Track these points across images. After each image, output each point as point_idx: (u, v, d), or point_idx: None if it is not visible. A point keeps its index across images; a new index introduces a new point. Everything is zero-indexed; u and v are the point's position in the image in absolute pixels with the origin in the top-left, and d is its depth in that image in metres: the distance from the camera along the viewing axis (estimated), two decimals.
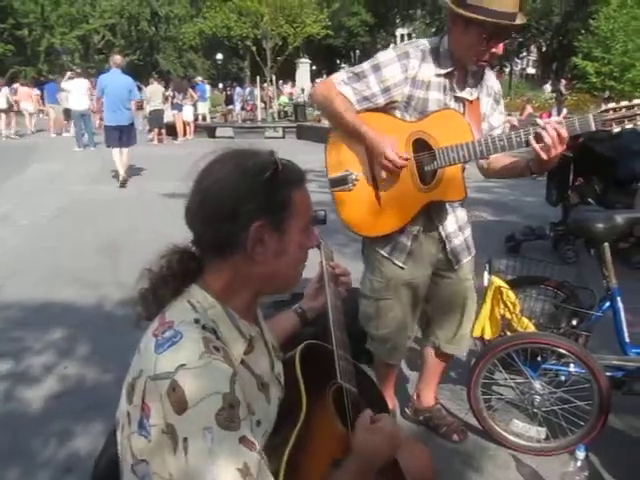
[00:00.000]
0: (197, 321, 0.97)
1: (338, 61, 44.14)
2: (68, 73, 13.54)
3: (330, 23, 21.60)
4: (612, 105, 1.79)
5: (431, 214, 2.06)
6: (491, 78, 2.09)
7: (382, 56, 1.95)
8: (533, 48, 38.24)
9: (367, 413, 1.13)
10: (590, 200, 4.88)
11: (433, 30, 35.33)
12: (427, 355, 2.40)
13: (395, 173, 1.92)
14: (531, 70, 41.33)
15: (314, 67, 29.73)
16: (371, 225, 2.03)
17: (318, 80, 10.02)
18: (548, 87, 20.44)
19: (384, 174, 1.93)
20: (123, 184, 8.39)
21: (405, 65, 1.92)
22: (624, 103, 1.79)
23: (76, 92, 12.68)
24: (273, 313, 1.56)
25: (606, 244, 2.32)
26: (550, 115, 14.64)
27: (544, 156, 1.77)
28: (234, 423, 0.88)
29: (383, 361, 2.32)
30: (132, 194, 7.65)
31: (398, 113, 1.98)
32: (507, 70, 33.73)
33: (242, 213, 0.98)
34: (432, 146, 1.91)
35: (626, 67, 21.09)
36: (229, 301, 1.04)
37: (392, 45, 2.02)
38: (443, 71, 1.95)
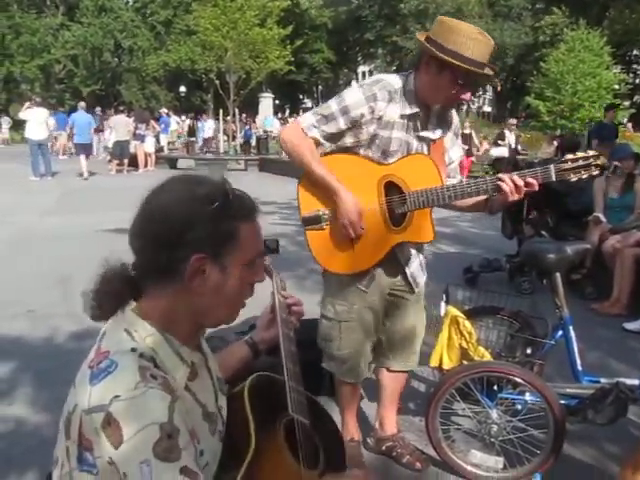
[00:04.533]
0: (134, 350, 0.93)
1: (301, 96, 44.88)
2: (27, 103, 13.31)
3: (293, 59, 21.97)
4: (570, 156, 1.93)
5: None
6: (450, 113, 2.16)
7: (350, 97, 1.98)
8: (489, 87, 39.78)
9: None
10: (544, 232, 5.03)
11: (394, 68, 36.40)
12: (382, 378, 2.41)
13: (368, 215, 1.97)
14: (487, 108, 42.85)
15: (277, 101, 30.12)
16: (342, 263, 2.06)
17: (280, 116, 10.14)
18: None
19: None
20: (86, 178, 12.72)
21: (372, 107, 1.96)
22: (580, 154, 1.93)
23: (34, 121, 12.47)
24: (223, 345, 1.53)
25: (558, 274, 2.39)
26: None
27: (507, 198, 1.90)
28: (173, 454, 0.84)
29: (343, 381, 2.30)
30: (87, 225, 7.47)
31: (361, 150, 2.03)
32: (464, 108, 34.93)
33: (185, 242, 0.95)
34: (403, 189, 1.97)
35: (576, 107, 22.15)
36: (168, 329, 1.00)
37: (357, 84, 2.05)
38: (408, 112, 2.00)
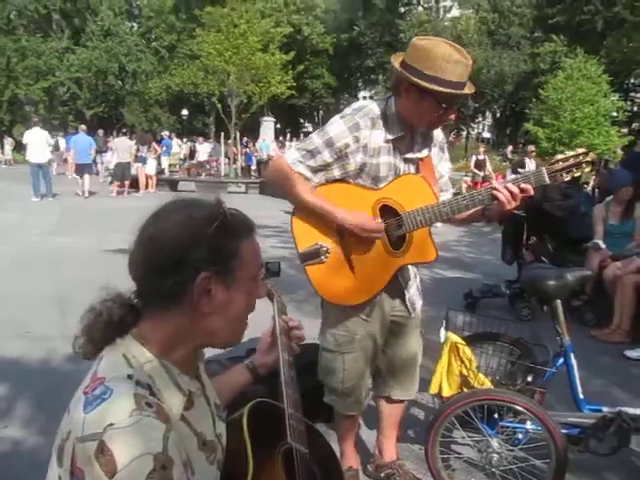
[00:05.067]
0: (130, 377, 0.92)
1: (302, 120, 45.30)
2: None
3: (294, 84, 22.24)
4: (560, 156, 1.94)
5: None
6: (436, 130, 2.13)
7: (332, 129, 1.94)
8: (488, 114, 40.25)
9: None
10: (543, 258, 5.03)
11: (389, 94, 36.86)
12: (382, 407, 2.38)
13: (368, 242, 1.94)
14: (487, 134, 43.24)
15: (278, 125, 30.38)
16: (348, 295, 2.02)
17: (281, 139, 10.22)
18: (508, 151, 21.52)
19: (356, 244, 1.95)
20: (87, 197, 13.43)
21: (357, 137, 1.92)
22: (570, 153, 1.93)
23: (34, 144, 12.56)
24: (221, 369, 1.51)
25: (558, 301, 2.38)
26: (504, 177, 15.30)
27: (504, 207, 1.90)
28: None
29: (344, 414, 2.27)
30: (87, 246, 7.47)
31: (351, 180, 2.00)
32: (464, 134, 35.29)
33: (188, 263, 0.95)
34: (398, 211, 1.95)
35: (574, 134, 22.33)
36: (168, 356, 0.99)
37: (338, 115, 2.02)
38: (392, 137, 1.97)
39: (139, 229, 1.00)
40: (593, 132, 22.31)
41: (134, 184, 14.95)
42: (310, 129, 41.74)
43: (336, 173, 1.98)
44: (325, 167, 1.96)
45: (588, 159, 1.91)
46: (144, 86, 34.26)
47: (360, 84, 44.40)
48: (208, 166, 20.50)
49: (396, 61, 1.91)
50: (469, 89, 1.88)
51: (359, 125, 1.93)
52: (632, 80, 33.01)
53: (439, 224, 2.31)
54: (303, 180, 1.95)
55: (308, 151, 1.95)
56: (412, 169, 2.06)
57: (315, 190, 1.96)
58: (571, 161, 1.90)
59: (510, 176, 11.52)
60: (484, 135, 43.18)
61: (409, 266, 2.14)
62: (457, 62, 1.80)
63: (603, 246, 4.88)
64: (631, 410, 2.34)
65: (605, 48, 28.19)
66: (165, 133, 23.10)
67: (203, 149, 21.56)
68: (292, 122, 41.55)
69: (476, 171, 13.69)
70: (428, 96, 1.84)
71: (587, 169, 1.94)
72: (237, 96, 20.24)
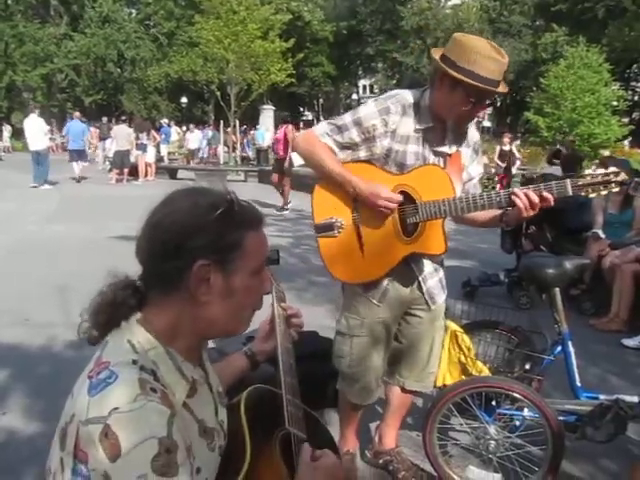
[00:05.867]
0: (135, 362, 0.92)
1: (302, 108, 45.09)
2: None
3: (294, 72, 22.10)
4: (589, 172, 1.88)
5: (408, 257, 2.07)
6: (471, 129, 2.15)
7: (363, 110, 1.99)
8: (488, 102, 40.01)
9: (307, 448, 1.10)
10: (542, 247, 5.03)
11: (394, 82, 36.68)
12: (391, 395, 2.39)
13: (382, 218, 1.96)
14: (487, 123, 43.08)
15: (278, 113, 30.26)
16: (352, 272, 2.06)
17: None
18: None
19: (369, 223, 1.98)
20: (78, 181, 13.86)
21: (385, 120, 1.95)
22: (600, 171, 1.89)
23: (30, 131, 12.59)
24: (221, 356, 1.51)
25: (557, 289, 2.38)
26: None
27: (522, 214, 1.87)
28: (171, 469, 0.83)
29: (350, 402, 2.28)
30: (86, 234, 7.46)
31: (377, 165, 2.02)
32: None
33: (188, 249, 0.95)
34: (415, 199, 1.95)
35: (575, 123, 22.26)
36: (172, 342, 1.00)
37: (372, 99, 2.05)
38: (423, 126, 1.98)
39: (147, 214, 1.01)
40: (593, 121, 22.25)
41: (133, 172, 14.93)
42: (310, 117, 41.61)
43: (362, 154, 2.02)
44: (352, 146, 2.00)
45: (618, 179, 1.85)
46: (143, 73, 34.00)
47: (360, 72, 44.12)
48: (200, 154, 20.35)
49: (436, 53, 1.95)
50: (502, 88, 1.89)
51: (389, 109, 1.96)
52: (633, 69, 32.85)
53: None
54: (329, 150, 2.00)
55: (337, 126, 2.00)
56: (441, 163, 2.05)
57: (339, 161, 2.00)
58: (599, 179, 1.85)
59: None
60: (484, 124, 43.01)
61: (428, 260, 2.13)
62: (491, 58, 1.82)
63: (602, 235, 4.89)
64: (628, 398, 2.35)
65: (606, 37, 28.01)
66: (164, 121, 23.00)
67: (193, 137, 21.25)
68: (292, 110, 41.36)
69: (499, 162, 12.53)
70: (459, 88, 1.86)
71: (615, 189, 1.88)
72: (236, 84, 20.13)
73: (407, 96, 2.01)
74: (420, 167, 1.99)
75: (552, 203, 1.85)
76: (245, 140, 22.38)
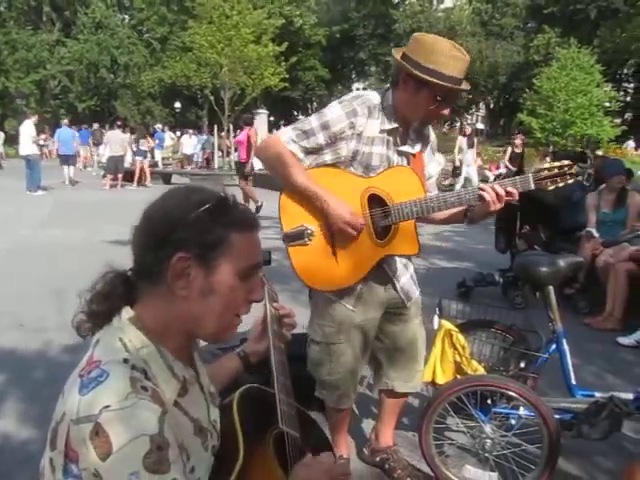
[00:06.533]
0: (126, 361, 0.92)
1: (295, 112, 45.13)
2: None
3: (287, 76, 22.13)
4: (547, 165, 1.96)
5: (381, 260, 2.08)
6: (428, 129, 2.17)
7: (330, 114, 1.96)
8: (482, 105, 40.21)
9: (308, 456, 1.09)
10: (537, 247, 5.05)
11: (387, 86, 36.77)
12: (383, 399, 2.38)
13: (351, 235, 1.94)
14: (480, 125, 43.25)
15: (272, 117, 30.27)
16: (327, 279, 2.02)
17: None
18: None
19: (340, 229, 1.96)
20: (72, 184, 14.50)
21: (353, 123, 1.94)
22: (556, 164, 1.96)
23: (22, 136, 12.57)
24: (213, 358, 1.51)
25: (550, 288, 2.39)
26: (498, 167, 15.13)
27: (489, 208, 1.92)
28: (163, 466, 0.83)
29: (334, 408, 2.27)
30: (80, 239, 7.44)
31: (342, 167, 2.01)
32: (458, 125, 35.27)
33: (171, 241, 0.96)
34: (386, 202, 1.95)
35: (568, 124, 22.38)
36: (163, 341, 0.99)
37: (337, 101, 2.03)
38: (388, 127, 1.99)
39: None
40: (586, 122, 22.38)
41: (128, 177, 14.90)
42: None
43: (327, 158, 1.98)
44: (318, 150, 1.97)
45: (572, 171, 1.94)
46: (136, 79, 33.99)
47: (353, 76, 44.25)
48: (195, 159, 20.39)
49: (397, 53, 1.96)
50: (465, 85, 1.92)
51: (356, 112, 1.95)
52: (625, 70, 33.05)
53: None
54: (295, 159, 1.95)
55: (303, 131, 1.96)
56: (404, 163, 2.07)
57: (307, 172, 1.96)
58: (555, 171, 1.93)
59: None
60: (478, 126, 43.19)
61: (397, 257, 2.13)
62: (455, 58, 1.85)
63: (596, 234, 4.90)
64: (623, 395, 2.36)
65: (598, 38, 28.19)
66: (158, 126, 23.00)
67: (189, 142, 21.26)
68: (286, 114, 41.39)
69: (509, 165, 12.11)
70: (425, 88, 1.87)
71: (570, 181, 1.96)
72: (230, 88, 20.14)
73: (372, 97, 2.02)
74: (389, 169, 2.00)
75: (516, 197, 1.92)
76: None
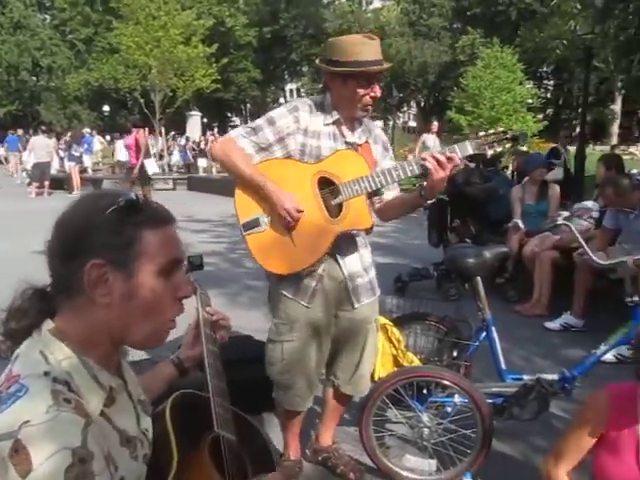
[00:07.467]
0: (47, 374, 0.89)
1: (229, 114, 44.68)
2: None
3: (219, 77, 21.88)
4: (482, 133, 2.07)
5: (336, 254, 2.12)
6: (377, 129, 2.30)
7: (274, 112, 2.13)
8: (413, 103, 41.22)
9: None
10: (467, 240, 5.23)
11: (320, 85, 37.05)
12: (328, 396, 2.40)
13: (293, 223, 2.01)
14: (412, 123, 44.30)
15: (205, 120, 29.84)
16: (287, 263, 2.07)
17: (209, 133, 10.12)
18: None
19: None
20: None
21: (296, 117, 2.07)
22: (491, 131, 2.09)
23: None
24: (150, 365, 1.49)
25: (478, 278, 2.48)
26: None
27: (434, 177, 1.97)
28: (87, 479, 0.81)
29: (287, 410, 2.28)
30: (7, 250, 7.07)
31: (295, 158, 2.09)
32: (390, 123, 36.00)
33: (82, 249, 0.93)
34: (335, 183, 2.03)
35: (494, 120, 23.24)
36: (87, 351, 0.97)
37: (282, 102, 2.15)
38: (330, 120, 2.11)
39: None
40: (511, 118, 23.30)
41: (55, 185, 14.29)
42: (238, 123, 41.25)
43: (278, 154, 2.10)
44: (268, 147, 2.08)
45: (508, 136, 2.05)
46: (61, 82, 32.66)
47: (286, 76, 44.23)
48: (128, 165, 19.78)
49: (319, 60, 2.13)
50: (386, 65, 2.07)
51: (298, 107, 2.11)
52: (544, 68, 34.74)
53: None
54: (244, 154, 2.06)
55: (252, 128, 2.10)
56: None
57: (254, 164, 2.07)
58: (492, 137, 2.04)
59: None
60: (410, 124, 44.24)
61: (359, 261, 2.18)
62: (366, 43, 2.01)
63: (522, 226, 5.12)
64: (549, 376, 2.49)
65: (519, 38, 29.47)
66: (86, 130, 22.16)
67: (122, 148, 20.66)
68: (219, 116, 40.90)
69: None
70: (349, 79, 2.02)
71: (508, 145, 2.09)
72: (160, 90, 19.74)
73: (312, 98, 2.20)
74: (335, 153, 2.09)
75: (458, 162, 2.01)
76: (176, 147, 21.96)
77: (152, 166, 11.14)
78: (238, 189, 2.09)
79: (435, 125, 12.28)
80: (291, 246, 2.04)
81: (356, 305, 2.20)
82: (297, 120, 2.07)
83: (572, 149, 11.65)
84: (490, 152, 2.09)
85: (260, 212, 2.06)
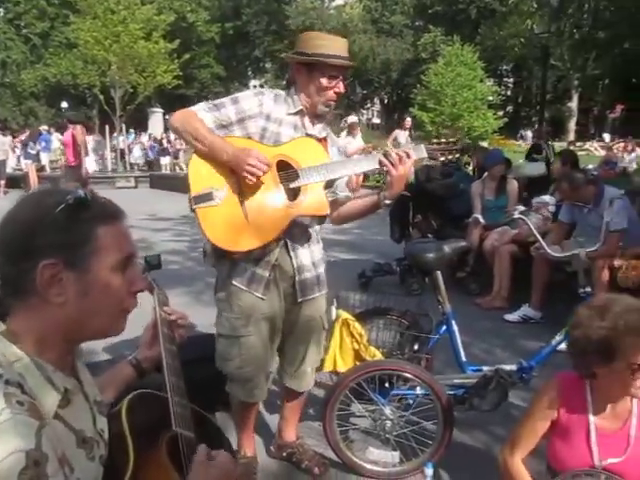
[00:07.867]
0: None
1: None
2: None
3: (181, 74, 21.58)
4: (436, 141, 2.12)
5: (288, 245, 2.11)
6: (332, 135, 2.33)
7: (240, 93, 2.15)
8: (376, 100, 41.54)
9: (203, 448, 1.09)
10: (429, 235, 5.32)
11: (284, 82, 36.96)
12: (284, 394, 2.42)
13: (259, 183, 1.96)
14: (376, 120, 44.63)
15: (167, 116, 29.37)
16: (238, 240, 1.99)
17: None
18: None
19: (251, 190, 1.98)
20: None
21: (261, 100, 2.08)
22: (443, 140, 2.16)
23: None
24: (109, 366, 1.47)
25: (438, 272, 2.53)
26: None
27: (393, 173, 2.03)
28: None
29: (242, 402, 2.26)
30: None
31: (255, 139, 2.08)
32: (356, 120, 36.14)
33: (32, 250, 0.92)
34: (294, 167, 2.03)
35: (456, 117, 23.62)
36: (41, 352, 0.95)
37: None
38: (293, 110, 2.13)
39: None
40: (472, 115, 23.72)
41: (11, 183, 13.86)
42: None
43: (237, 134, 2.06)
44: (227, 125, 2.06)
45: (457, 147, 2.16)
46: (16, 77, 31.63)
47: (250, 73, 43.94)
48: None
49: (287, 54, 2.21)
50: (351, 60, 2.15)
51: (263, 92, 2.16)
52: (504, 66, 35.48)
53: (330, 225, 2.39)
54: (203, 122, 2.01)
55: (214, 104, 2.09)
56: None
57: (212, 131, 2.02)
58: (443, 146, 2.13)
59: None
60: (374, 121, 44.54)
61: (309, 255, 2.17)
62: (332, 39, 2.14)
63: (482, 220, 5.23)
64: (508, 367, 2.55)
65: (479, 36, 30.00)
66: (44, 128, 21.52)
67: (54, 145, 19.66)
68: None
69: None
70: (315, 71, 2.07)
71: (457, 155, 2.17)
72: (120, 87, 19.36)
73: (277, 90, 2.24)
74: (295, 139, 2.10)
75: (413, 157, 2.07)
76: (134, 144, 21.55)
77: (91, 165, 10.90)
78: (194, 158, 2.02)
79: (408, 121, 12.41)
80: (244, 224, 1.98)
81: (299, 299, 2.18)
82: (261, 104, 2.07)
83: (557, 145, 11.71)
84: (442, 158, 2.17)
85: (215, 186, 1.98)
